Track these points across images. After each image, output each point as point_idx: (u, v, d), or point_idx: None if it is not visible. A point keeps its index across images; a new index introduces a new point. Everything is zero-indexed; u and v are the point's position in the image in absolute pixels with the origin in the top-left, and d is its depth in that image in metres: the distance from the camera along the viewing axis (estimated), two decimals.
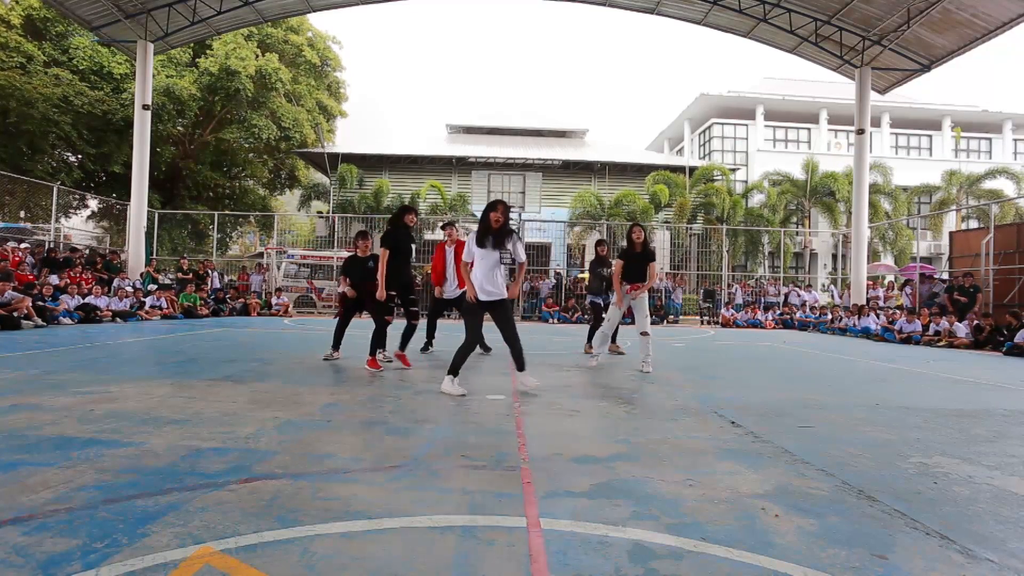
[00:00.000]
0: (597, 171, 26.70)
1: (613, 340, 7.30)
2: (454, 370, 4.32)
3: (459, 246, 6.25)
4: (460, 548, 1.72)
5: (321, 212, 26.13)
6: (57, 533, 1.74)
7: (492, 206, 4.40)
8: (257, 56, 24.44)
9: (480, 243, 4.38)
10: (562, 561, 1.65)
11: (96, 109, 21.03)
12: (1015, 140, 32.36)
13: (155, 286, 13.52)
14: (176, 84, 22.50)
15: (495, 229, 4.36)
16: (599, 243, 8.11)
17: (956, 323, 11.17)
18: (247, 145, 26.39)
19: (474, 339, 4.44)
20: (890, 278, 20.90)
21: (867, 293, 16.00)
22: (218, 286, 16.15)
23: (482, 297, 4.35)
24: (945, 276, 15.29)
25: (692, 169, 24.89)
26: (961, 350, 10.35)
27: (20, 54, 19.95)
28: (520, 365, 4.50)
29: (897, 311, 13.20)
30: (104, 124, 21.78)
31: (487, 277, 4.36)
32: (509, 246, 4.41)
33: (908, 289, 15.01)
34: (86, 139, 21.51)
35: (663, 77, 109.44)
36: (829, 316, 15.49)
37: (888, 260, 24.62)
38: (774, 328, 15.89)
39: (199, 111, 24.30)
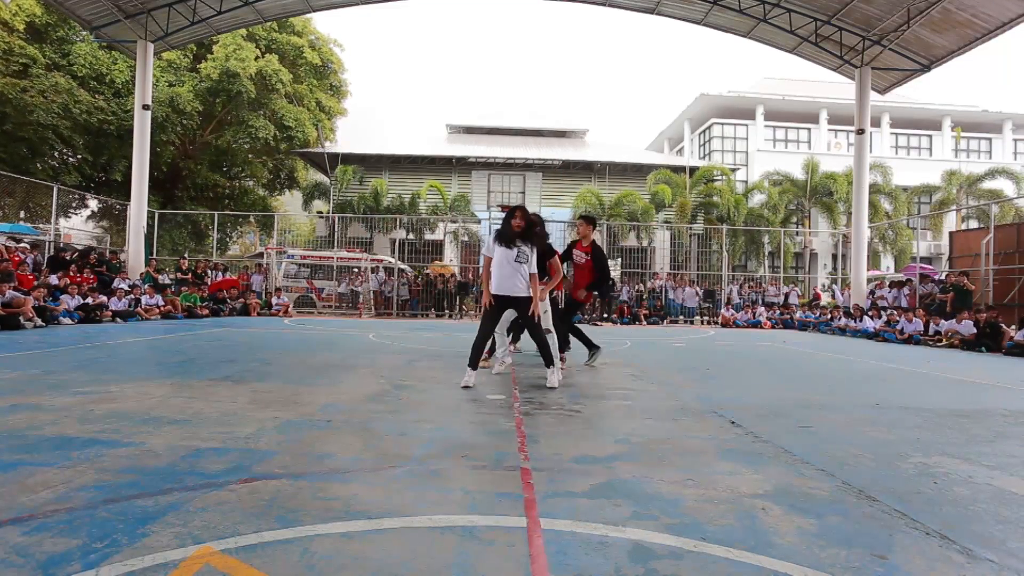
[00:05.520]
0: (597, 171, 26.71)
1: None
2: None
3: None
4: (460, 548, 1.72)
5: (321, 212, 26.15)
6: (57, 533, 1.74)
7: (511, 212, 4.65)
8: (257, 57, 24.45)
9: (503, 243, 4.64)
10: (562, 561, 1.65)
11: (94, 118, 21.02)
12: (1015, 140, 32.37)
13: (149, 284, 13.50)
14: (179, 94, 22.49)
15: (517, 232, 4.59)
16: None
17: (964, 321, 11.06)
18: (246, 146, 26.39)
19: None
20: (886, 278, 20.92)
21: (875, 293, 15.93)
22: None
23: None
24: (941, 277, 15.30)
25: (693, 169, 24.90)
26: (961, 350, 10.34)
27: (24, 58, 19.95)
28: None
29: (895, 311, 13.20)
30: (103, 131, 21.76)
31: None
32: (525, 247, 4.64)
33: (907, 289, 15.01)
34: (86, 144, 21.51)
35: (663, 77, 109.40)
36: (829, 316, 15.49)
37: (888, 260, 24.63)
38: (772, 328, 15.90)
39: (199, 114, 24.32)
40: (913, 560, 1.73)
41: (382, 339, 9.08)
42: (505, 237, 4.59)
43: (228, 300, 15.01)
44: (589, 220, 6.07)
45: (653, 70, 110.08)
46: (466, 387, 4.48)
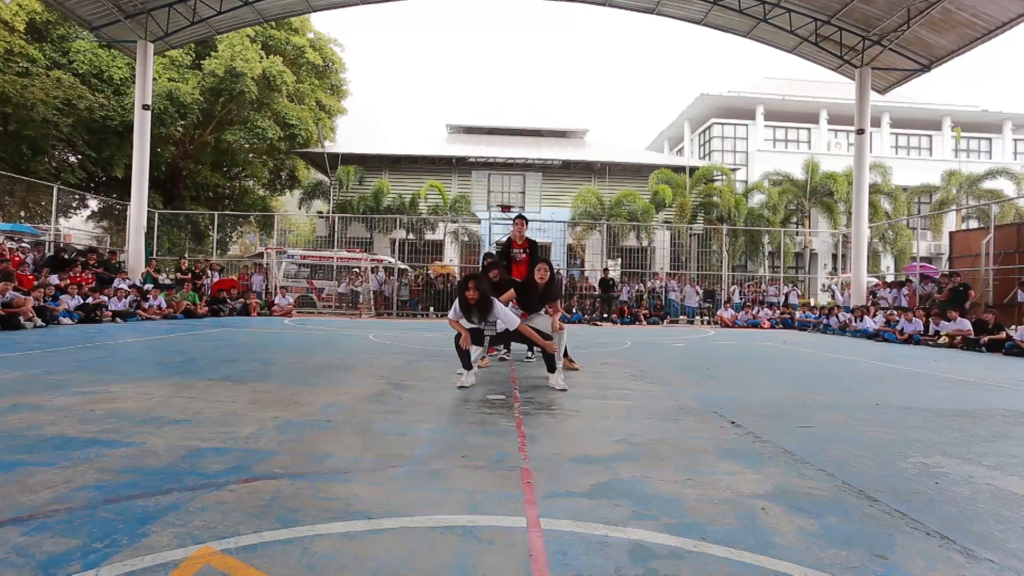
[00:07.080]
0: (597, 171, 26.71)
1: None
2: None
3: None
4: (460, 548, 1.72)
5: (321, 212, 26.15)
6: (57, 533, 1.74)
7: (464, 283, 4.55)
8: (261, 58, 24.45)
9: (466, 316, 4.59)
10: (562, 561, 1.65)
11: (96, 114, 21.03)
12: (1015, 140, 32.37)
13: (151, 286, 13.52)
14: (179, 88, 22.48)
15: (474, 304, 4.50)
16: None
17: (959, 318, 11.05)
18: (247, 146, 26.36)
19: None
20: (885, 279, 20.90)
21: (875, 294, 15.92)
22: None
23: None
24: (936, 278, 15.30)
25: (693, 169, 24.91)
26: (961, 350, 10.32)
27: (24, 59, 19.96)
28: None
29: (895, 311, 13.19)
30: (104, 128, 21.77)
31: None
32: (491, 319, 4.57)
33: (906, 289, 15.01)
34: (87, 142, 21.51)
35: (663, 77, 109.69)
36: (828, 315, 15.48)
37: (888, 260, 24.63)
38: (772, 328, 15.89)
39: (200, 112, 24.32)
40: (913, 560, 1.73)
41: (382, 339, 9.08)
42: (466, 310, 4.52)
43: (228, 300, 15.01)
44: (524, 219, 6.53)
45: (653, 70, 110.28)
46: (463, 388, 4.49)
